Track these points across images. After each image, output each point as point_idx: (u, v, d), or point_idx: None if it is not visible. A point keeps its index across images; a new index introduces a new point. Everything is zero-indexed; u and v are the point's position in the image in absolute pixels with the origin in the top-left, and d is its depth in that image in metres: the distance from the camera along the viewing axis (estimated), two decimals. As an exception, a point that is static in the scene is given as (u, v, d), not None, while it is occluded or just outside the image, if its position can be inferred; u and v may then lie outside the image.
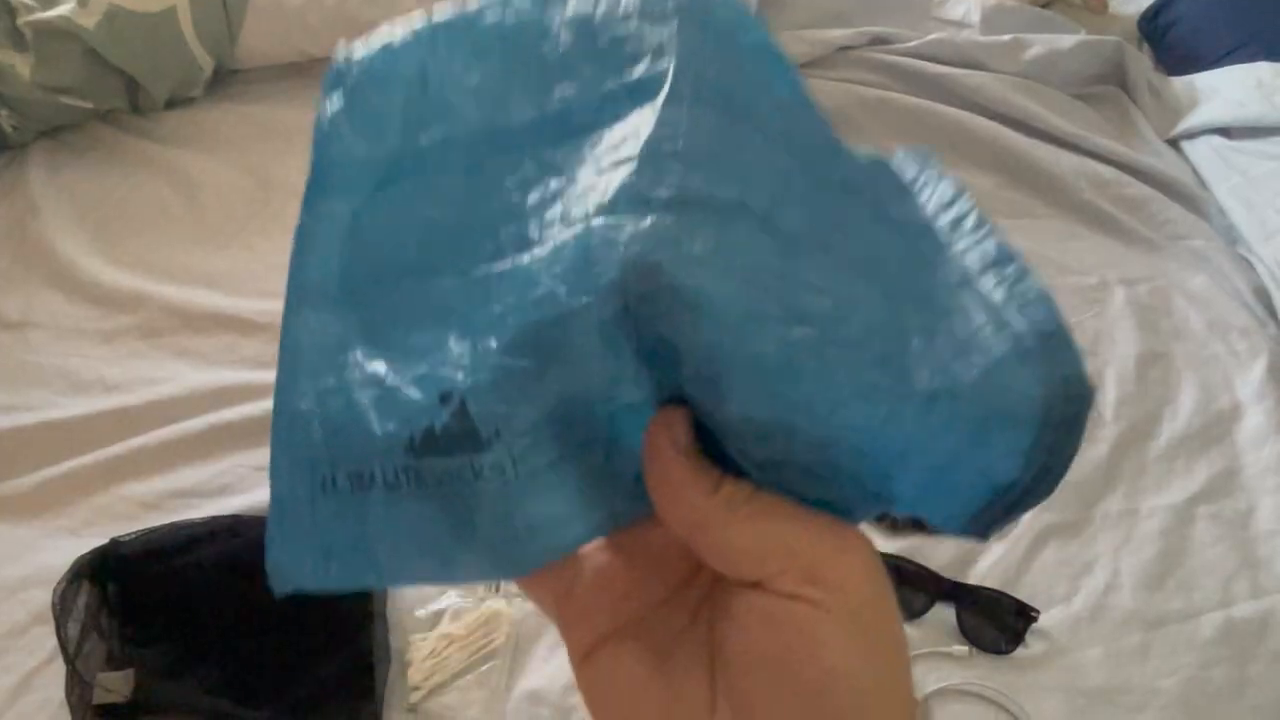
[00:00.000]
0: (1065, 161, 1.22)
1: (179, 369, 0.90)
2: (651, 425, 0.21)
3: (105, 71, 1.07)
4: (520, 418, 0.21)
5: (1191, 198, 1.20)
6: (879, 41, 1.34)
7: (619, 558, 0.23)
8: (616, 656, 0.22)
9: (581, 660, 0.23)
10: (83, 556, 0.69)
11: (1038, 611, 0.78)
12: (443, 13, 0.25)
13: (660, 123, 0.21)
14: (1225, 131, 1.23)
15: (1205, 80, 1.29)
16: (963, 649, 0.76)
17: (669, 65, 0.22)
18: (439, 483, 0.22)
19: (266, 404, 0.89)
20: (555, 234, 0.22)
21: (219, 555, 0.70)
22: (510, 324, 0.21)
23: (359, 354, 0.23)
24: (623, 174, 0.21)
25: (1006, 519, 0.20)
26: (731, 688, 0.20)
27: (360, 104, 0.25)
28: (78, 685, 0.64)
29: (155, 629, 0.68)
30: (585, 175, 0.22)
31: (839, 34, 1.31)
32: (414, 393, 0.22)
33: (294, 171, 1.11)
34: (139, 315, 0.94)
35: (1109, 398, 0.97)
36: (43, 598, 0.68)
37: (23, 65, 1.02)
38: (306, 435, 0.23)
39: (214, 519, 0.74)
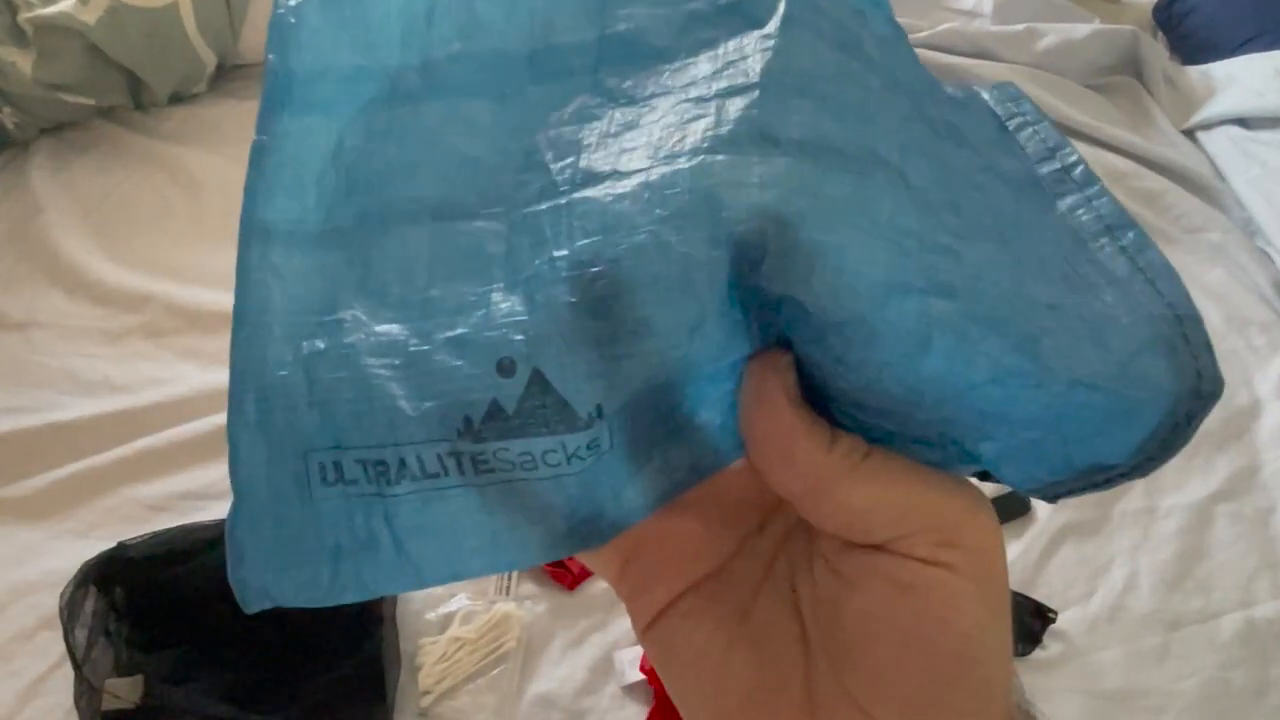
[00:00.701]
0: (1080, 153, 1.20)
1: (185, 369, 0.89)
2: (757, 370, 0.18)
3: (107, 68, 1.06)
4: (620, 390, 0.18)
5: (1208, 189, 1.19)
6: (889, 32, 1.32)
7: (681, 514, 0.21)
8: (690, 619, 0.20)
9: (648, 628, 0.21)
10: (90, 561, 0.68)
11: (1055, 612, 0.77)
12: None
13: (779, 51, 0.18)
14: (1243, 122, 1.21)
15: (1222, 69, 1.27)
16: (979, 651, 0.75)
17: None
18: (511, 467, 0.18)
19: (273, 404, 0.88)
20: (642, 167, 0.17)
21: (224, 560, 0.69)
22: (592, 274, 0.17)
23: (358, 311, 0.18)
24: (739, 105, 0.17)
25: (1088, 491, 0.19)
26: (846, 653, 0.19)
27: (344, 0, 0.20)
28: (86, 691, 0.64)
29: (163, 634, 0.68)
30: (673, 105, 0.18)
31: (849, 24, 1.29)
32: (453, 359, 0.18)
33: (299, 168, 1.10)
34: (144, 315, 0.93)
35: (1125, 394, 0.96)
36: (50, 602, 0.68)
37: (24, 62, 1.01)
38: (290, 414, 0.18)
39: (220, 522, 0.72)
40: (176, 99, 1.16)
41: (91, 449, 0.81)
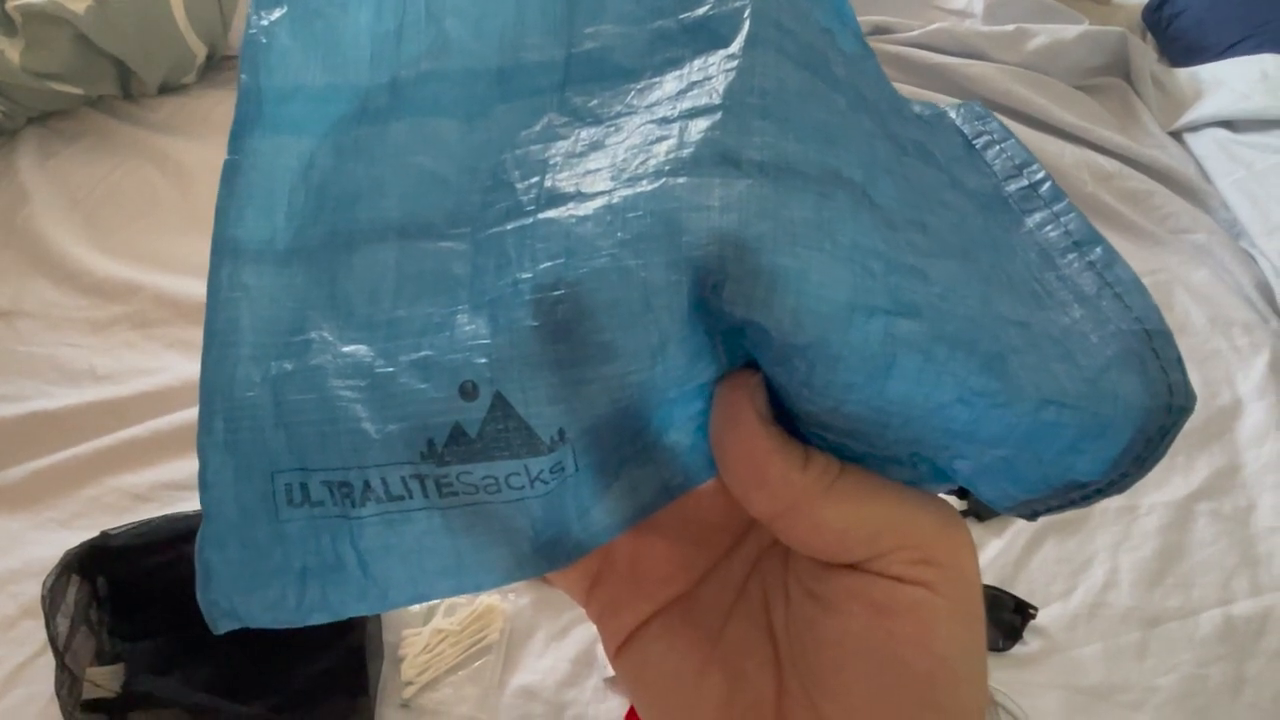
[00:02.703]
0: (1067, 154, 1.21)
1: (171, 359, 0.89)
2: (727, 392, 0.18)
3: (96, 57, 1.05)
4: (583, 414, 0.17)
5: (1194, 191, 1.19)
6: (880, 30, 1.32)
7: (650, 535, 0.20)
8: (661, 642, 0.20)
9: (619, 650, 0.20)
10: (72, 550, 0.68)
11: (1036, 608, 0.77)
12: None
13: (743, 71, 0.17)
14: (1229, 124, 1.22)
15: (1210, 72, 1.28)
16: (960, 646, 0.75)
17: (744, 3, 0.18)
18: (474, 490, 0.18)
19: (259, 396, 0.88)
20: (605, 189, 0.17)
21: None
22: (554, 298, 0.17)
23: (325, 331, 0.18)
24: (702, 126, 0.17)
25: (1064, 509, 0.19)
26: (820, 676, 0.18)
27: (313, 18, 0.20)
28: (67, 680, 0.64)
29: (145, 623, 0.68)
30: (638, 125, 0.18)
31: (840, 23, 1.29)
32: (416, 382, 0.18)
33: (288, 160, 1.10)
34: (130, 305, 0.93)
35: (1109, 393, 0.96)
36: (32, 590, 0.67)
37: (12, 51, 1.00)
38: (257, 433, 0.18)
39: (202, 512, 0.73)
40: (166, 89, 1.15)
41: (76, 438, 0.81)
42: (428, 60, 0.20)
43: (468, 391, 0.17)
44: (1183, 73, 1.31)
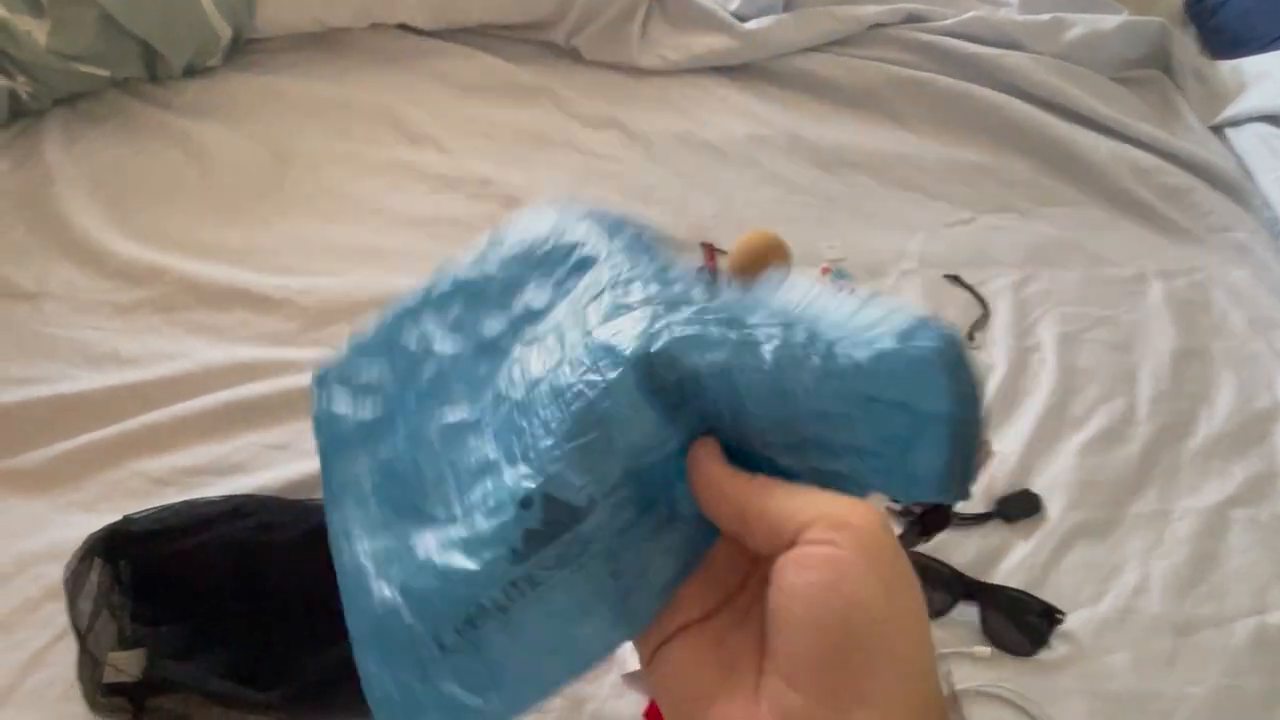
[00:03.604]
0: (1104, 147, 1.18)
1: (194, 344, 0.89)
2: (692, 450, 0.27)
3: (122, 39, 1.05)
4: (604, 477, 0.26)
5: (1235, 188, 1.16)
6: (913, 19, 1.30)
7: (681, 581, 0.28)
8: (679, 650, 0.26)
9: (650, 657, 0.27)
10: (95, 534, 0.68)
11: (1063, 613, 0.76)
12: (397, 302, 0.35)
13: (613, 266, 0.31)
14: (1273, 119, 1.18)
15: (1254, 65, 1.25)
16: (985, 650, 0.74)
17: (591, 245, 0.32)
18: (551, 568, 0.26)
19: (281, 381, 0.87)
20: (565, 355, 0.28)
21: (230, 536, 0.69)
22: (557, 423, 0.27)
23: (414, 540, 0.28)
24: (605, 302, 0.29)
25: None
26: (773, 639, 0.24)
27: (344, 392, 0.34)
28: (89, 664, 0.64)
29: (166, 609, 0.68)
30: (568, 316, 0.30)
31: (872, 10, 1.27)
32: (489, 523, 0.27)
33: (311, 145, 1.10)
34: (154, 289, 0.92)
35: (1143, 396, 0.94)
36: (55, 573, 0.68)
37: (39, 31, 1.00)
38: (398, 622, 0.27)
39: (226, 499, 0.73)
40: (191, 71, 1.15)
41: (99, 422, 0.81)
42: (429, 368, 0.33)
43: (529, 504, 0.26)
44: (1225, 65, 1.28)
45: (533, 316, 0.32)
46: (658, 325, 0.27)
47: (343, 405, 0.34)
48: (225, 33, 1.12)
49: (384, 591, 0.28)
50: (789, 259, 0.99)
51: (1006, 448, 0.88)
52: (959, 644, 0.74)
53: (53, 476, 0.78)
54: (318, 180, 1.06)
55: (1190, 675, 0.74)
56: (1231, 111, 1.22)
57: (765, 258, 0.98)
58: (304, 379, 0.90)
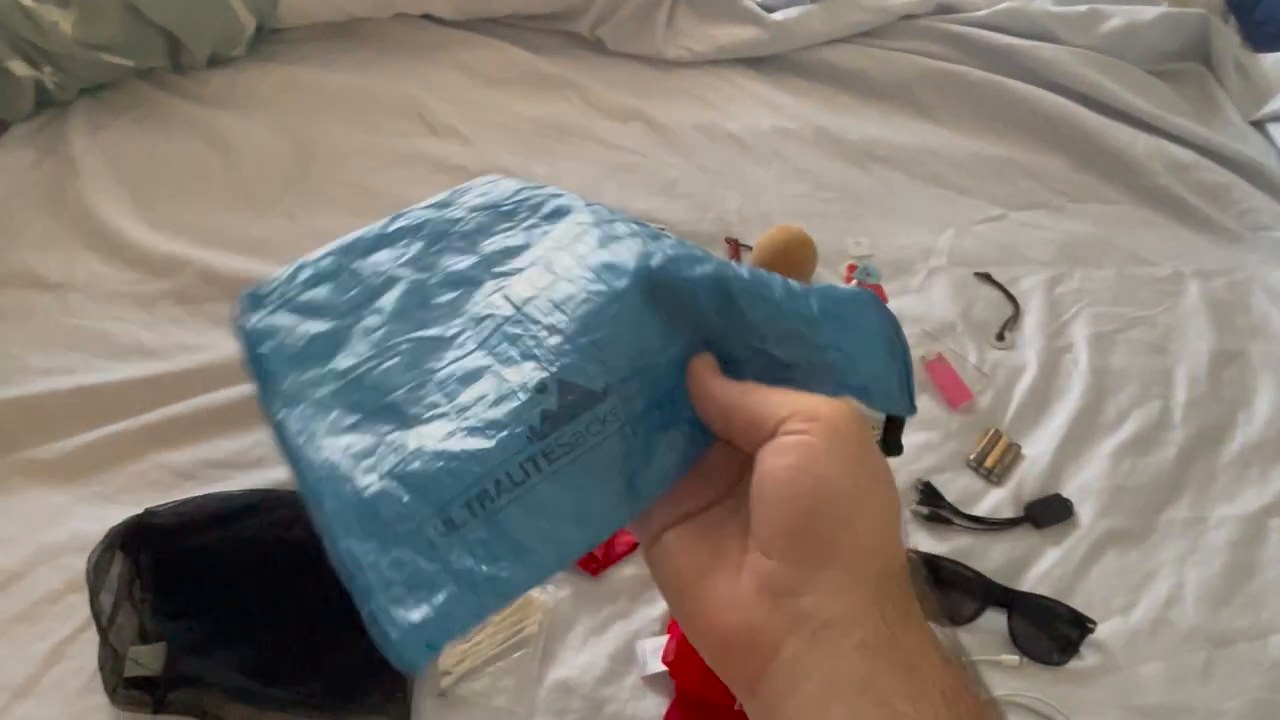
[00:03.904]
0: (1141, 143, 1.15)
1: (216, 337, 0.88)
2: (691, 362, 0.32)
3: (146, 29, 1.05)
4: (618, 366, 0.30)
5: (1277, 185, 1.13)
6: (944, 9, 1.27)
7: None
8: (676, 537, 0.30)
9: (649, 545, 0.31)
10: (116, 526, 0.68)
11: (1094, 622, 0.74)
12: (344, 237, 0.39)
13: (593, 211, 0.36)
14: (1318, 114, 1.15)
15: (1298, 58, 1.21)
16: (1013, 659, 0.72)
17: (566, 198, 0.38)
18: (570, 448, 0.29)
19: (302, 376, 0.87)
20: (559, 276, 0.33)
21: (251, 532, 0.69)
22: (564, 324, 0.31)
23: (398, 435, 0.31)
24: (594, 235, 0.35)
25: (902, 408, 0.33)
26: (753, 519, 0.27)
27: (287, 310, 0.36)
28: (110, 657, 0.64)
29: (187, 603, 0.67)
30: (554, 250, 0.35)
31: (901, 1, 1.24)
32: (499, 410, 0.30)
33: (334, 137, 1.09)
34: (177, 280, 0.92)
35: (1178, 399, 0.92)
36: (77, 565, 0.68)
37: (65, 21, 1.00)
38: (394, 504, 0.28)
39: (248, 493, 0.73)
40: (215, 62, 1.15)
41: (121, 414, 0.81)
42: (387, 293, 0.37)
43: (543, 389, 0.30)
44: (1268, 58, 1.24)
45: (509, 253, 0.37)
46: (650, 247, 0.32)
47: (285, 319, 0.36)
48: (249, 23, 1.12)
49: (369, 478, 0.29)
50: (815, 255, 0.97)
51: (1037, 451, 0.86)
52: (986, 652, 0.73)
53: (75, 468, 0.78)
54: (340, 172, 1.05)
55: (1225, 689, 0.72)
56: (1274, 106, 1.18)
57: (790, 254, 0.96)
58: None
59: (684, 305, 0.31)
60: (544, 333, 0.31)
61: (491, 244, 0.37)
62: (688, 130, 1.15)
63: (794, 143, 1.15)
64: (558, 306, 0.31)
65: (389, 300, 0.37)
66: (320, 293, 0.37)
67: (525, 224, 0.38)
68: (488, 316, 0.34)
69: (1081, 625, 0.74)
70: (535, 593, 0.73)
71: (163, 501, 0.71)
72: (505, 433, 0.29)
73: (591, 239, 0.34)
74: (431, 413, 0.31)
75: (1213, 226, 1.10)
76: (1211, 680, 0.73)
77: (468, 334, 0.34)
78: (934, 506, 0.81)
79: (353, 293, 0.37)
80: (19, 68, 1.00)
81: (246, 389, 0.84)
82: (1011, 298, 1.00)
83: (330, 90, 1.14)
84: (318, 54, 1.19)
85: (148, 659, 0.63)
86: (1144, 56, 1.24)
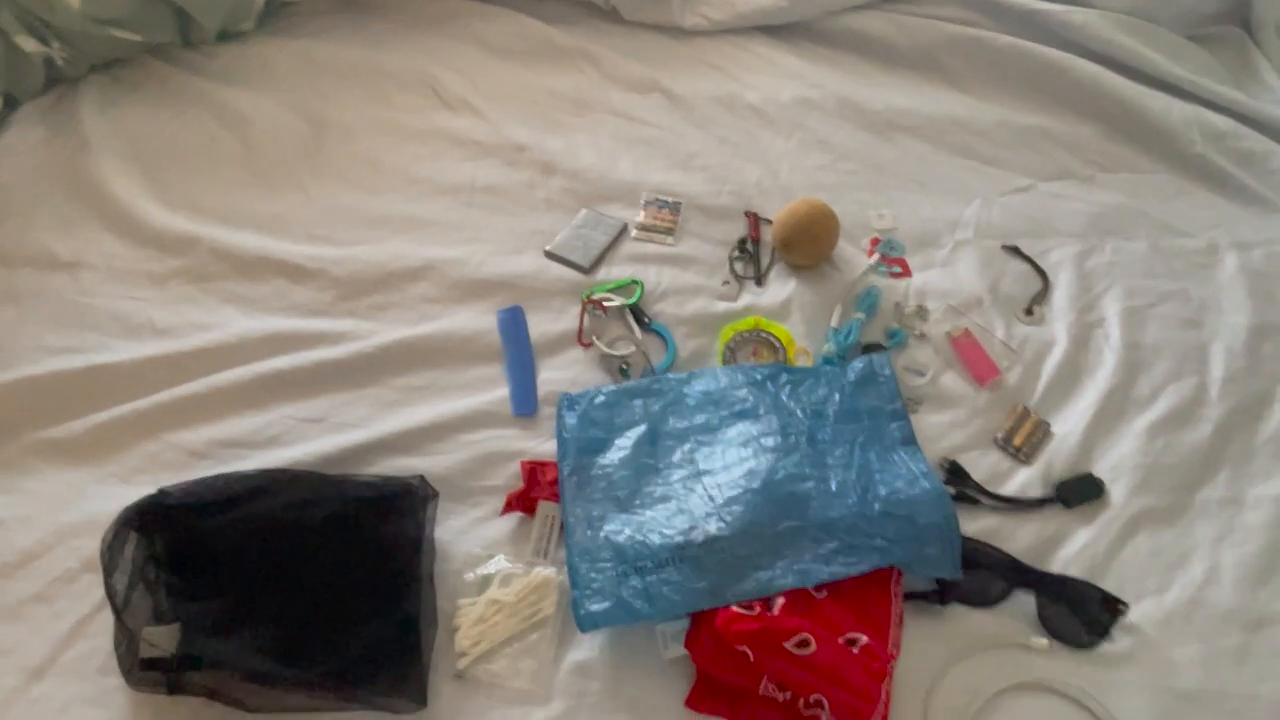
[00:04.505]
0: (1175, 110, 1.11)
1: (229, 314, 0.88)
2: None
3: (155, 3, 1.03)
4: (737, 532, 0.70)
5: (1318, 152, 1.09)
6: (972, -27, 1.22)
7: None
8: None
9: None
10: (129, 506, 0.67)
11: (1126, 604, 0.72)
12: (620, 386, 0.82)
13: (763, 423, 0.79)
14: (1363, 78, 1.10)
15: (1342, 19, 1.16)
16: (1042, 641, 0.70)
17: (751, 402, 0.81)
18: (694, 559, 0.68)
19: (315, 354, 0.86)
20: (725, 465, 0.76)
21: (265, 512, 0.68)
22: (720, 498, 0.73)
23: (621, 519, 0.72)
24: (750, 450, 0.77)
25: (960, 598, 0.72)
26: None
27: (582, 413, 0.80)
28: (125, 638, 0.64)
29: (203, 584, 0.67)
30: (722, 442, 0.78)
31: (927, -35, 1.20)
32: (672, 526, 0.71)
33: (346, 112, 1.07)
34: (189, 258, 0.91)
35: (1214, 375, 0.89)
36: (92, 545, 0.67)
37: (73, -4, 0.98)
38: (602, 553, 0.70)
39: (261, 473, 0.72)
40: (224, 36, 1.13)
41: (135, 393, 0.80)
42: (629, 429, 0.80)
43: (693, 528, 0.70)
44: (1310, 20, 1.19)
45: (707, 428, 0.79)
46: (775, 465, 0.75)
47: (580, 420, 0.79)
48: (258, -4, 1.10)
49: (592, 532, 0.71)
50: (837, 229, 0.95)
51: (1066, 428, 0.84)
52: (1015, 635, 0.71)
53: (90, 447, 0.78)
54: (353, 148, 1.04)
55: (1262, 673, 0.70)
56: (1316, 70, 1.14)
57: (812, 228, 0.94)
58: (337, 351, 0.88)
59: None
60: (705, 496, 0.73)
61: (699, 419, 0.79)
62: (706, 101, 1.12)
63: (815, 113, 1.12)
64: (716, 486, 0.73)
65: (634, 433, 0.78)
66: (602, 413, 0.79)
67: (721, 413, 0.79)
68: (684, 465, 0.76)
69: (1113, 607, 0.72)
70: (551, 573, 0.71)
71: (176, 481, 0.70)
72: (665, 540, 0.69)
73: (749, 451, 0.76)
74: (637, 509, 0.72)
75: (1250, 196, 1.06)
76: (1248, 664, 0.70)
77: (669, 471, 0.76)
78: (961, 486, 0.79)
79: (617, 420, 0.79)
80: (28, 44, 0.99)
81: (259, 368, 0.83)
82: (1040, 271, 0.97)
83: (342, 64, 1.12)
84: (329, 27, 1.17)
85: (162, 640, 0.63)
86: (1179, 20, 1.20)
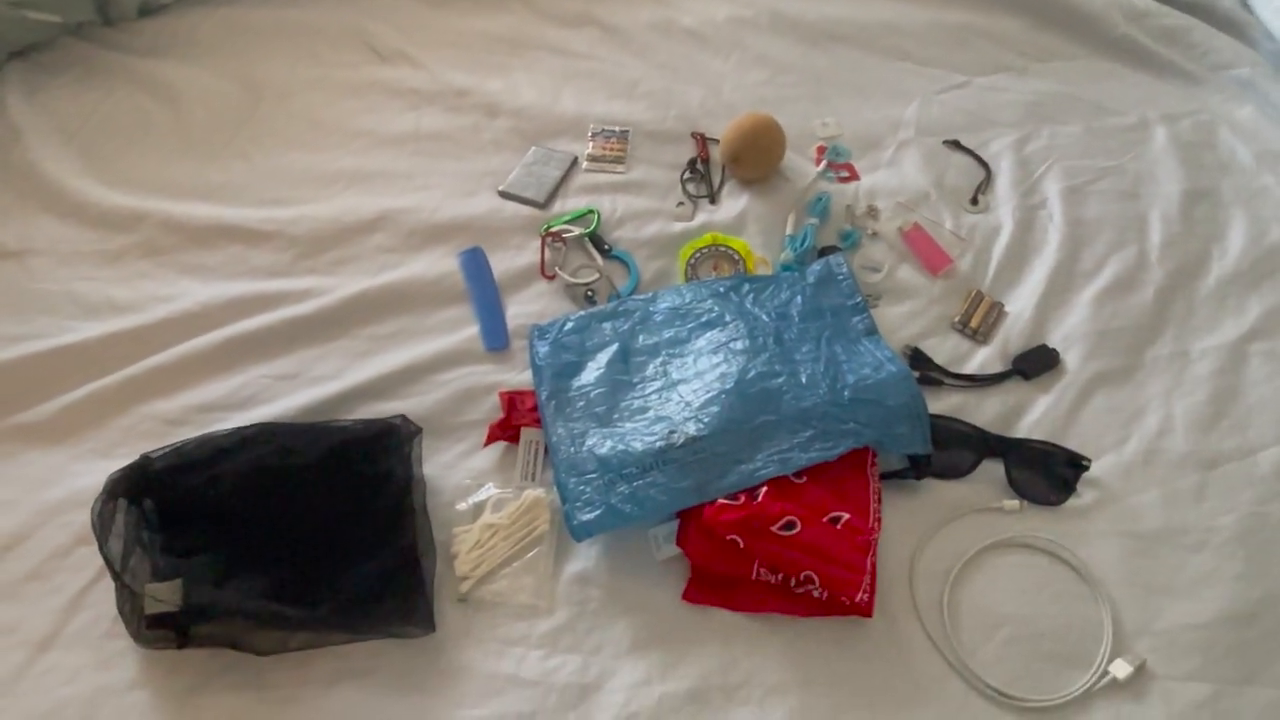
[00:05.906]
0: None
1: (188, 285, 0.87)
2: None
3: (68, -21, 1.00)
4: (716, 429, 0.73)
5: (1236, 23, 1.12)
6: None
7: None
8: None
9: None
10: (115, 474, 0.68)
11: (1089, 460, 0.76)
12: (588, 312, 0.84)
13: (730, 329, 0.82)
14: (1272, -54, 1.13)
15: (1249, -109, 1.18)
16: (1014, 503, 0.74)
17: (718, 311, 0.83)
18: (676, 460, 0.71)
19: (281, 313, 0.86)
20: (698, 372, 0.78)
21: (251, 463, 0.69)
22: (697, 401, 0.76)
23: (603, 432, 0.75)
24: (721, 356, 0.80)
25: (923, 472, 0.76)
26: None
27: (554, 340, 0.82)
28: (128, 598, 0.64)
29: (198, 540, 0.67)
30: (694, 351, 0.81)
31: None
32: (652, 433, 0.73)
33: (279, 73, 1.06)
34: (139, 234, 0.90)
35: (1153, 241, 0.92)
36: (81, 519, 0.68)
37: (-20, -22, 0.95)
38: (586, 465, 0.72)
39: (242, 428, 0.72)
40: (145, 11, 1.10)
41: (103, 370, 0.80)
42: (603, 349, 0.82)
43: (673, 432, 0.73)
44: (1218, -105, 1.21)
45: (675, 342, 0.81)
46: (746, 366, 0.78)
47: (553, 346, 0.81)
48: (174, -37, 1.07)
49: (576, 447, 0.73)
50: (783, 140, 0.96)
51: (1019, 306, 0.87)
52: (987, 500, 0.75)
53: (64, 427, 0.77)
54: (291, 108, 1.03)
55: (1219, 507, 0.74)
56: (1228, -56, 1.16)
57: (758, 140, 0.95)
58: (303, 308, 0.88)
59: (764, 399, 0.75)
60: (681, 403, 0.75)
61: (668, 334, 0.82)
62: (642, 29, 1.12)
63: (751, 30, 1.13)
64: (691, 392, 0.76)
65: (606, 353, 0.80)
66: (573, 338, 0.81)
67: (689, 325, 0.82)
68: (658, 377, 0.78)
69: (1077, 465, 0.76)
70: (543, 493, 0.73)
71: (158, 448, 0.70)
72: (647, 446, 0.72)
73: (719, 357, 0.78)
74: (616, 423, 0.75)
75: (1175, 70, 1.10)
76: (1205, 500, 0.75)
77: (644, 385, 0.78)
78: (925, 369, 0.82)
79: (588, 344, 0.81)
80: (-61, 33, 0.96)
81: (227, 332, 0.83)
82: (982, 162, 1.00)
83: (269, 26, 1.10)
84: (250, -8, 1.15)
85: (166, 594, 0.64)
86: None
